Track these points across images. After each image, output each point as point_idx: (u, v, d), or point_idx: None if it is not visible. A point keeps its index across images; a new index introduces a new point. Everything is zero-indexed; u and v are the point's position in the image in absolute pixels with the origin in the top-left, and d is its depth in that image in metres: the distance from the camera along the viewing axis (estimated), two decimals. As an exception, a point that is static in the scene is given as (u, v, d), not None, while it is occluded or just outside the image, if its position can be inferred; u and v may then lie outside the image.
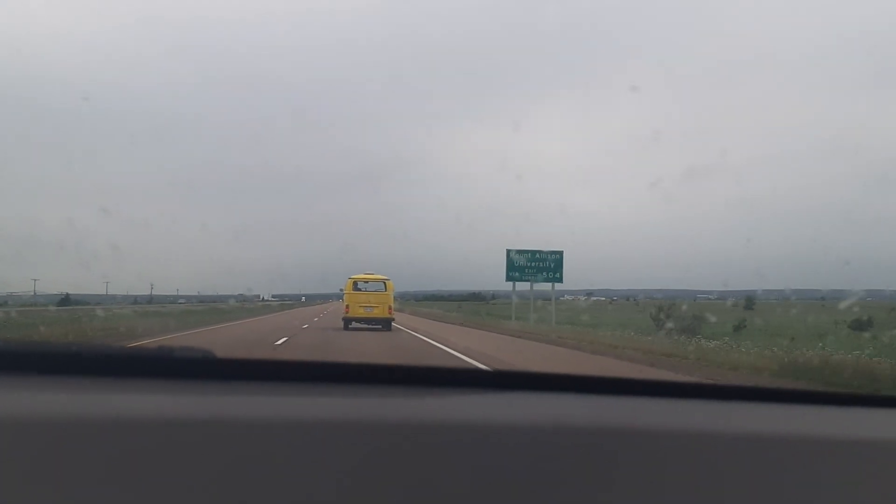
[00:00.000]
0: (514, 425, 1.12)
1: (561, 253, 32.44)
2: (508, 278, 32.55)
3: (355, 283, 26.39)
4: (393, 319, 25.95)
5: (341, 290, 29.18)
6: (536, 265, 32.30)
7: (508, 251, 32.39)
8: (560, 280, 32.47)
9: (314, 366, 1.34)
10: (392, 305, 26.19)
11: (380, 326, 25.82)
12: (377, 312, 25.83)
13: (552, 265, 32.28)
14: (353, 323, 25.90)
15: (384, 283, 26.35)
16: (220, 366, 1.30)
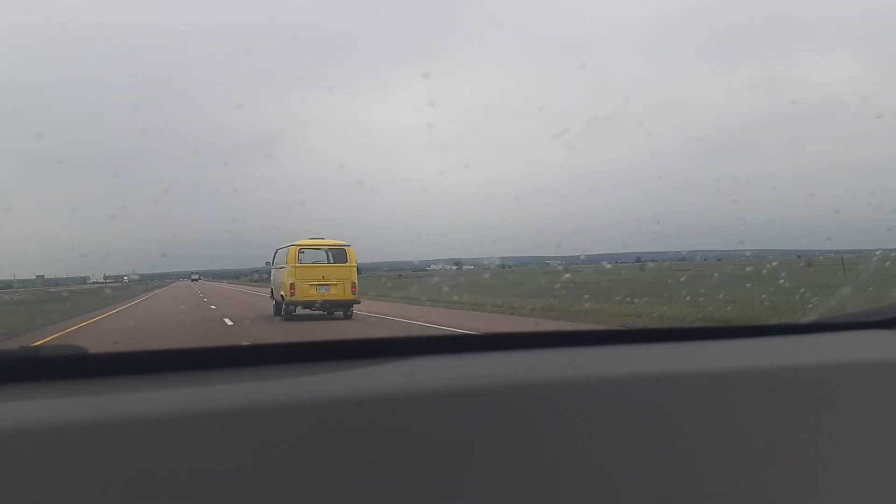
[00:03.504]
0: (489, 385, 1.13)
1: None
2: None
3: (301, 252, 18.22)
4: (357, 302, 18.22)
5: (267, 263, 20.72)
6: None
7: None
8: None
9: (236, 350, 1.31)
10: (356, 282, 18.42)
11: (339, 312, 18.04)
12: (336, 293, 17.95)
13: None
14: (299, 309, 17.89)
15: (344, 250, 18.44)
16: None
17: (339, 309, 17.91)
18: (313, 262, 18.44)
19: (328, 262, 18.43)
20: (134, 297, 35.97)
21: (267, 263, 20.69)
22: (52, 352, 1.21)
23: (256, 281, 51.80)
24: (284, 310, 17.90)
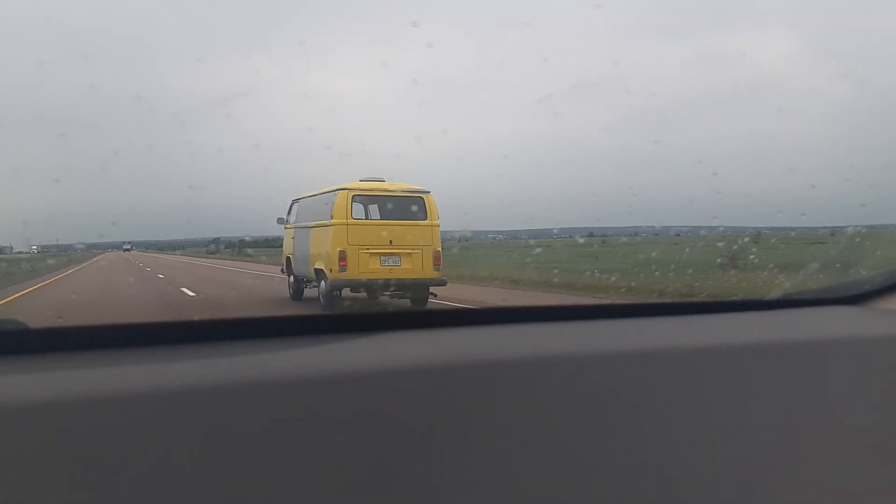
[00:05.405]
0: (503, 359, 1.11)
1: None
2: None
3: (353, 201, 11.25)
4: (443, 283, 11.42)
5: (280, 220, 13.58)
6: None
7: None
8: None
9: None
10: (440, 251, 11.61)
11: (409, 297, 11.28)
12: (410, 267, 11.15)
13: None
14: (346, 291, 11.09)
15: (423, 199, 11.55)
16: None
17: (414, 294, 11.13)
18: (378, 219, 11.56)
19: (395, 220, 11.57)
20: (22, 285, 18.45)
21: (279, 221, 13.55)
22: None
23: (214, 253, 44.01)
24: (325, 294, 11.00)
